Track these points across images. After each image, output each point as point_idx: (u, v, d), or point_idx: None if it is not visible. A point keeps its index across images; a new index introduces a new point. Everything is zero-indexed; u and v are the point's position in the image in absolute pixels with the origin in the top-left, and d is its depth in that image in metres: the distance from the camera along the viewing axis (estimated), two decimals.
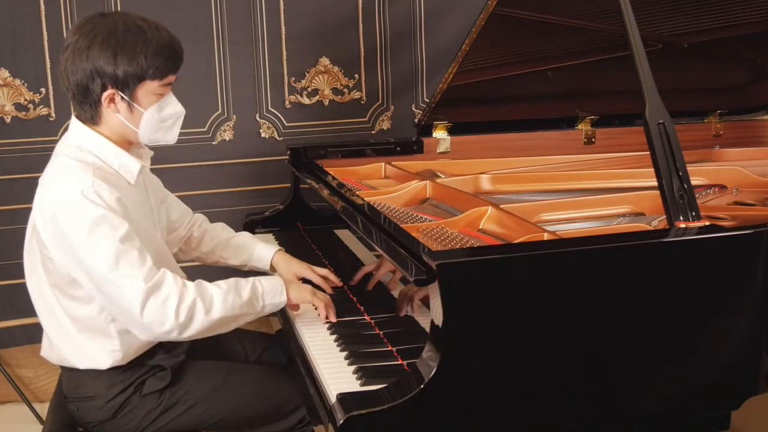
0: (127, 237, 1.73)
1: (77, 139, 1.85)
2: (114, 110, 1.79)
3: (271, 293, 1.85)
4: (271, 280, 1.89)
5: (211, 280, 1.85)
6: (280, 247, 2.20)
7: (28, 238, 1.88)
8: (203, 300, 1.75)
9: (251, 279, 1.86)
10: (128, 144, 1.88)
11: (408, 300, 1.95)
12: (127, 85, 1.76)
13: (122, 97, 1.77)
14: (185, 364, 1.97)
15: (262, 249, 2.17)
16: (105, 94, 1.77)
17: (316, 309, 1.94)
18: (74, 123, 1.86)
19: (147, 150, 1.97)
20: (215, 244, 2.23)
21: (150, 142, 1.89)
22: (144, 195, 1.96)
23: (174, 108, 1.86)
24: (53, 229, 1.75)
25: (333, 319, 1.92)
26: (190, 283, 1.78)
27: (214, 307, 1.76)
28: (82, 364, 1.87)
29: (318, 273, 2.08)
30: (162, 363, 1.91)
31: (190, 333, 1.76)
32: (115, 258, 1.71)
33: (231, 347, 2.20)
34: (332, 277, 2.09)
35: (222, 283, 1.81)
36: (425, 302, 1.95)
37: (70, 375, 1.93)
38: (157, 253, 1.91)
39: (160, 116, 1.83)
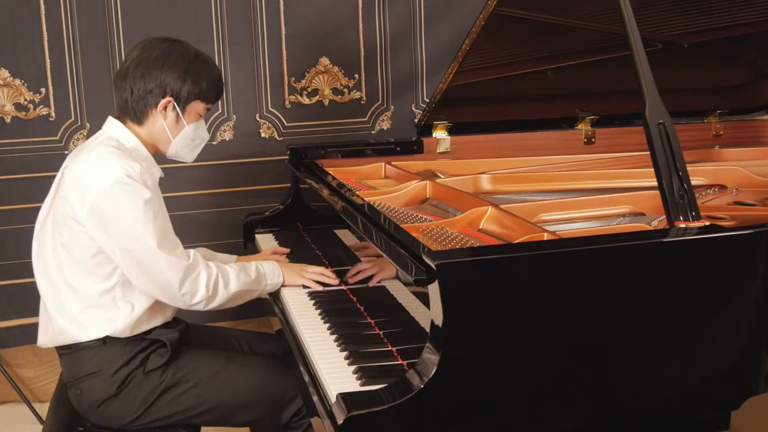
0: (167, 220, 1.99)
1: (115, 135, 2.04)
2: (162, 116, 2.04)
3: (270, 275, 2.14)
4: (270, 263, 2.16)
5: None
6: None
7: (43, 218, 2.04)
8: (223, 276, 2.02)
9: (253, 263, 2.13)
10: (153, 152, 2.10)
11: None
12: (184, 100, 2.03)
13: (174, 107, 2.03)
14: (186, 350, 2.05)
15: (224, 257, 2.36)
16: (163, 101, 2.02)
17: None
18: (112, 121, 2.06)
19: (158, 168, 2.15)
20: None
21: (174, 155, 2.13)
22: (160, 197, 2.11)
23: (204, 132, 2.16)
24: (96, 207, 1.89)
25: (334, 282, 2.15)
26: (210, 262, 2.03)
27: (230, 282, 2.03)
28: (83, 336, 1.95)
29: (269, 252, 2.42)
30: (160, 337, 2.00)
31: (214, 305, 2.02)
32: (163, 238, 1.93)
33: (227, 342, 2.28)
34: (282, 252, 2.41)
35: (234, 265, 2.08)
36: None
37: (70, 357, 1.98)
38: None
39: (194, 135, 2.11)
